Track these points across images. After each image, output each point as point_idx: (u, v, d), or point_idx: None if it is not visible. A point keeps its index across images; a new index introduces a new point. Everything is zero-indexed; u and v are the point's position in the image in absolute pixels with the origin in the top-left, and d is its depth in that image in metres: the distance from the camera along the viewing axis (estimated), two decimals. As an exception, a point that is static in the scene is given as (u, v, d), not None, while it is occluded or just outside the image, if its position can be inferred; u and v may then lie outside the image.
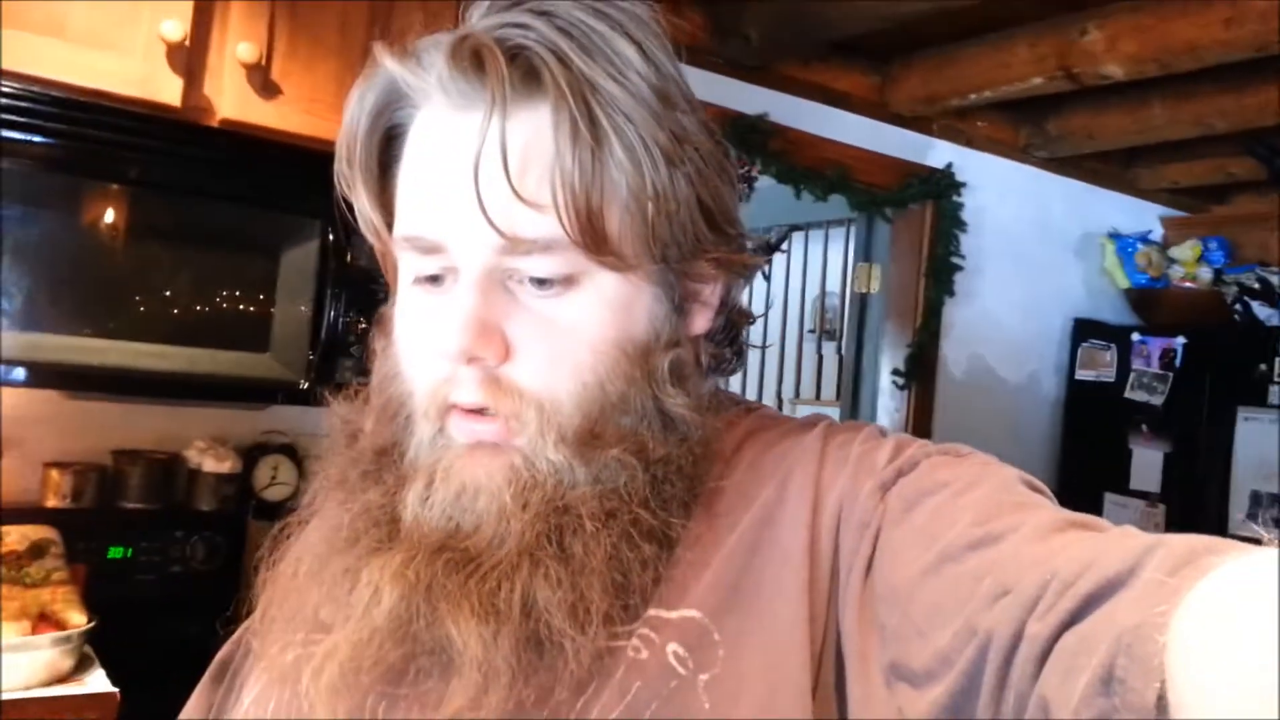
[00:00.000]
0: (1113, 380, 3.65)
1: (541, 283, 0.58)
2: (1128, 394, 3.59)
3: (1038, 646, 0.43)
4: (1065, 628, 0.42)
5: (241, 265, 1.86)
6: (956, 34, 2.92)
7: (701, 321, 0.66)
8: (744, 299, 0.71)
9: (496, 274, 0.58)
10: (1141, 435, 3.50)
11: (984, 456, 0.59)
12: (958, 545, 0.50)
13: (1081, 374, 3.75)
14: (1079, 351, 3.76)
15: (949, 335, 3.40)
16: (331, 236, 1.85)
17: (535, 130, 0.57)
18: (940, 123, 3.35)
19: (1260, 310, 3.55)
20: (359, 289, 1.89)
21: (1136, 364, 3.61)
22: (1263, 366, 3.34)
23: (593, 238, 0.57)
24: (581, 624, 0.55)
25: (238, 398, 2.02)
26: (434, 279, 0.61)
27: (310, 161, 1.84)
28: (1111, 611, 0.41)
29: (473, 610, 0.55)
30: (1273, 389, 3.31)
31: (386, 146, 0.63)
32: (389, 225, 0.64)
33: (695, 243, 0.62)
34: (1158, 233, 4.11)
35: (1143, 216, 4.08)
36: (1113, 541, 0.46)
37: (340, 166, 0.64)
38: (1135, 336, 3.64)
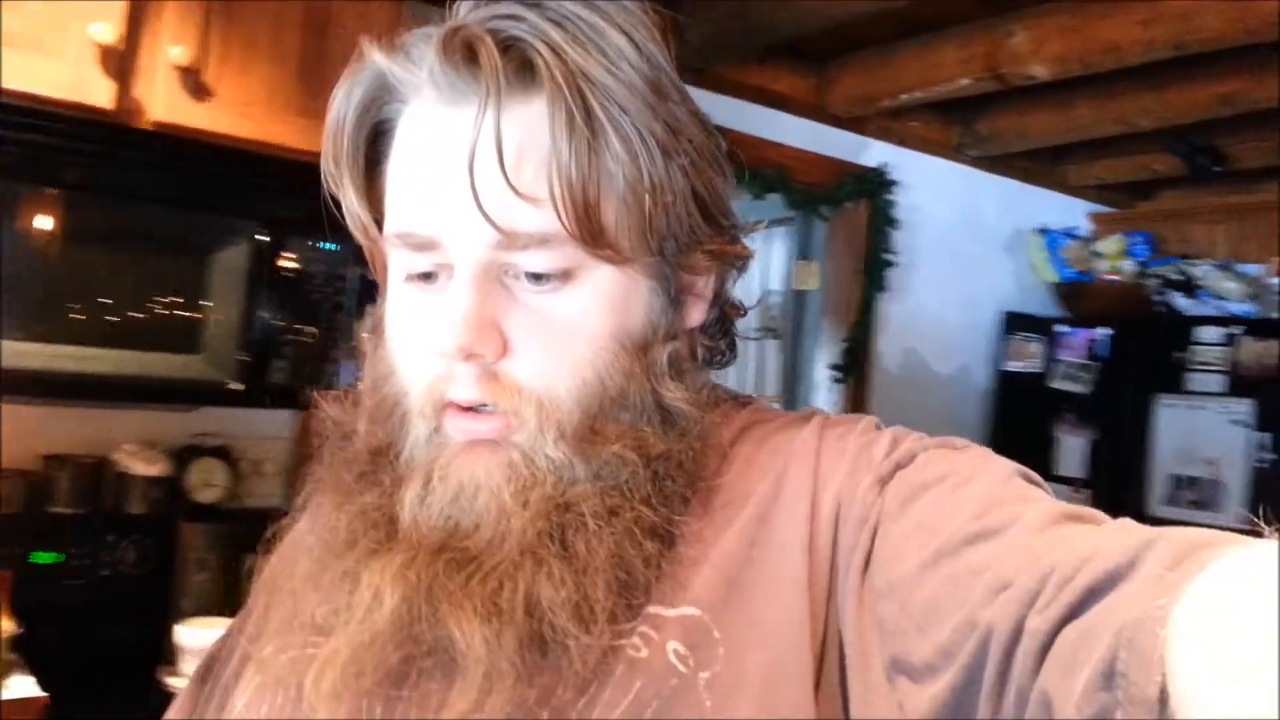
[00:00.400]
0: (1040, 371, 3.75)
1: (538, 278, 0.57)
2: (1054, 384, 3.69)
3: (1038, 641, 0.42)
4: (1065, 622, 0.42)
5: (172, 267, 1.84)
6: (889, 36, 2.97)
7: (696, 314, 0.65)
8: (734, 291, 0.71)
9: (492, 269, 0.57)
10: (1067, 423, 3.61)
11: (981, 449, 0.59)
12: (956, 540, 0.50)
13: (1010, 365, 3.85)
14: (1008, 343, 3.87)
15: (884, 330, 3.47)
16: (265, 238, 1.84)
17: (530, 123, 0.56)
18: (875, 123, 3.41)
19: (1181, 302, 3.67)
20: (290, 290, 1.88)
21: (1062, 355, 3.72)
22: (1181, 355, 3.46)
23: (590, 231, 0.56)
24: (586, 623, 0.54)
25: (168, 400, 2.01)
26: (427, 276, 0.60)
27: (243, 164, 1.84)
28: (1112, 605, 0.41)
29: (475, 610, 0.54)
30: (1190, 377, 3.43)
31: (373, 143, 0.62)
32: (378, 223, 0.62)
33: (691, 234, 0.62)
34: (1085, 228, 4.23)
35: (1070, 213, 4.19)
36: (1112, 535, 0.46)
37: (326, 164, 0.62)
38: (1062, 328, 3.75)
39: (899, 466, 0.57)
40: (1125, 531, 0.46)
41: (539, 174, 0.56)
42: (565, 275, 0.58)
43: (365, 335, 0.67)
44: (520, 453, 0.58)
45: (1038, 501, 0.51)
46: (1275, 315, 3.45)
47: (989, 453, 0.58)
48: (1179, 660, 0.36)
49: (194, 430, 2.14)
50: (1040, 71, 2.79)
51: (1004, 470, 0.55)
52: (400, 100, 0.61)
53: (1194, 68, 2.85)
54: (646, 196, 0.58)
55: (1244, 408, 3.31)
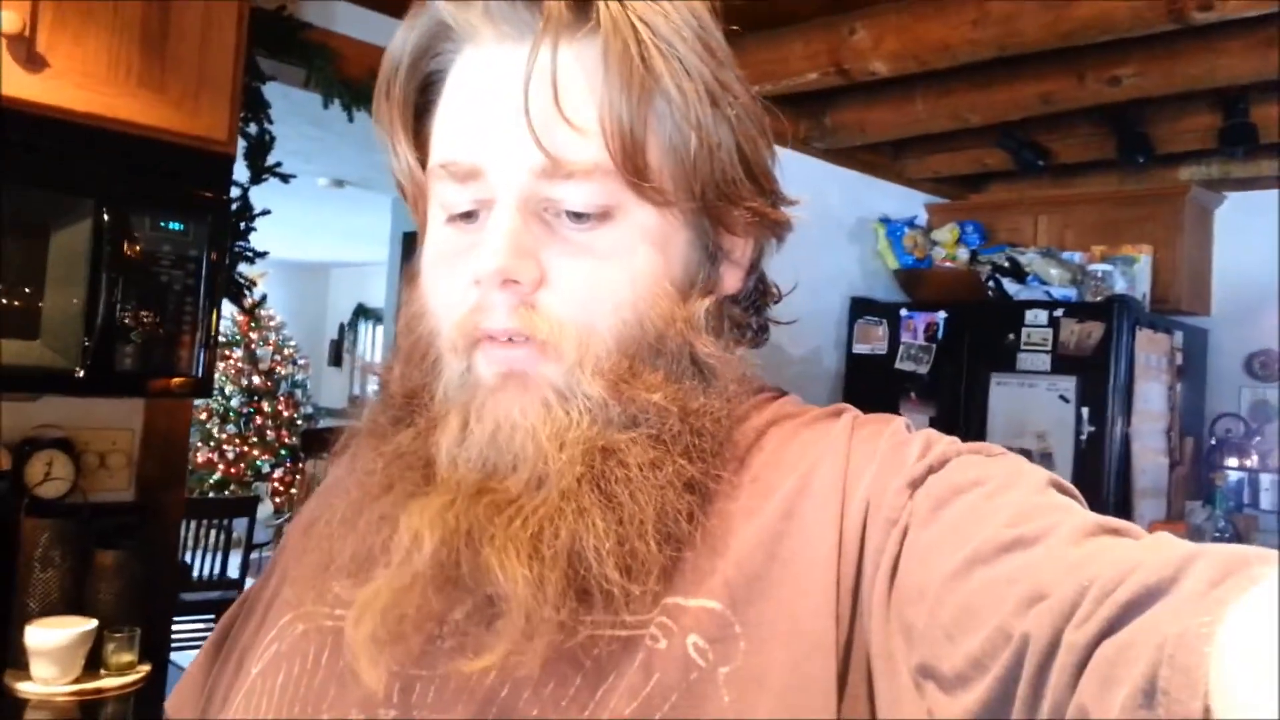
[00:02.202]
0: (885, 353, 3.95)
1: (578, 217, 0.57)
2: (898, 365, 3.90)
3: (1076, 655, 0.41)
4: (1104, 636, 0.41)
5: (7, 247, 1.75)
6: (738, 29, 3.06)
7: (732, 280, 0.65)
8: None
9: (532, 203, 0.57)
10: (910, 401, 3.82)
11: (1015, 456, 0.57)
12: (990, 547, 0.48)
13: (858, 348, 4.05)
14: (855, 327, 4.06)
15: (739, 314, 3.58)
16: (107, 216, 1.77)
17: (584, 58, 0.57)
18: (726, 112, 3.50)
19: (1010, 286, 3.93)
20: (136, 272, 1.81)
21: (905, 337, 3.93)
22: (1011, 337, 3.71)
23: (635, 167, 0.56)
24: (632, 575, 0.53)
25: (5, 388, 1.90)
26: (468, 216, 0.59)
27: (82, 138, 1.76)
28: (1153, 621, 0.40)
29: (517, 554, 0.52)
30: (1020, 356, 3.68)
31: (422, 92, 0.63)
32: (423, 167, 0.62)
33: (733, 188, 0.61)
34: (923, 218, 4.47)
35: (909, 203, 4.42)
36: (1151, 549, 0.45)
37: (378, 104, 0.63)
38: (903, 312, 3.96)
39: (931, 470, 0.55)
40: (1165, 546, 0.45)
41: (589, 106, 0.56)
42: (605, 214, 0.57)
43: (405, 290, 0.66)
44: (555, 391, 0.56)
45: (1073, 512, 0.50)
46: (1094, 299, 3.73)
47: (1023, 460, 0.57)
48: (1223, 679, 0.35)
49: (34, 421, 2.04)
50: (880, 68, 2.94)
51: (1038, 479, 0.54)
52: (453, 49, 0.61)
53: (1019, 68, 3.06)
54: (693, 138, 0.58)
55: (1068, 384, 3.58)
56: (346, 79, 2.42)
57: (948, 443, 0.59)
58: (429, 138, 0.62)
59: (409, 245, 5.83)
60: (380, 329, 8.61)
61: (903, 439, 0.60)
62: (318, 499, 0.68)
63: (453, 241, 0.60)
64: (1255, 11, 2.34)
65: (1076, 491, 0.54)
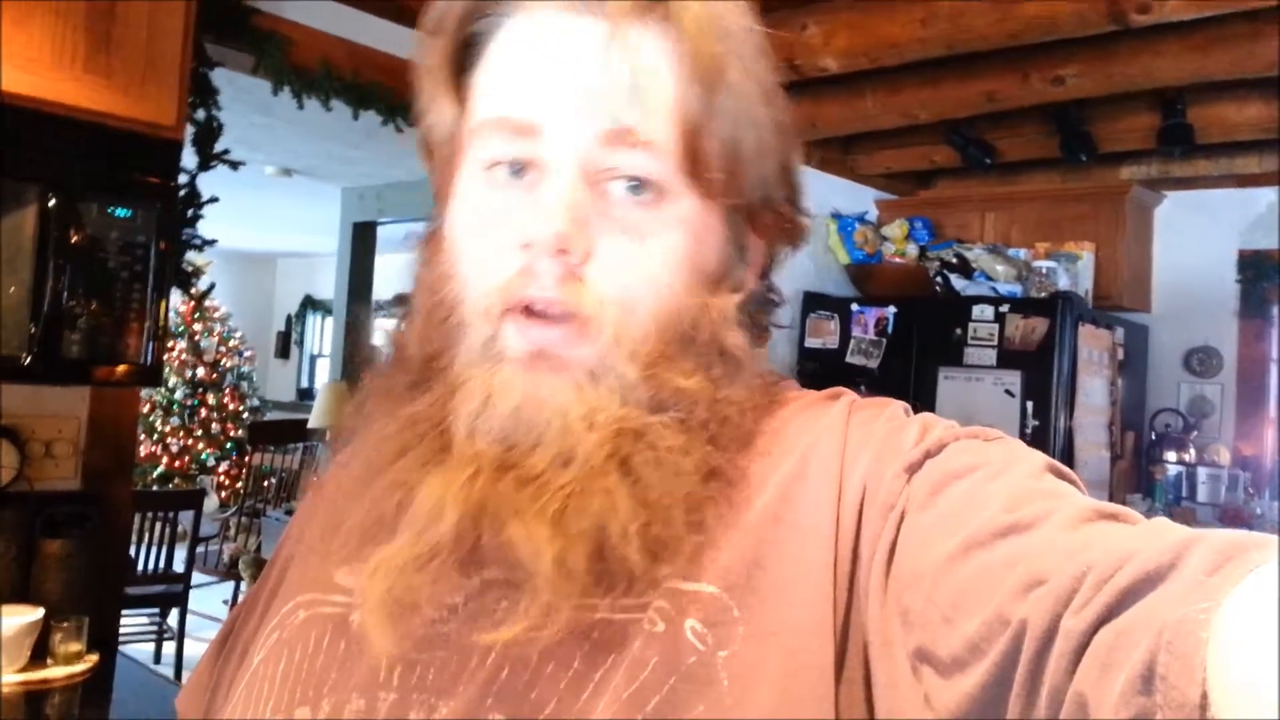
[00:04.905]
0: (836, 347, 4.01)
1: (634, 188, 0.57)
2: (849, 359, 3.96)
3: (1074, 641, 0.41)
4: (1103, 622, 0.41)
5: (-54, 232, 1.72)
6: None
7: (750, 279, 0.65)
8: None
9: (588, 170, 0.56)
10: (861, 396, 3.87)
11: (1012, 440, 0.57)
12: (986, 531, 0.48)
13: (810, 341, 4.10)
14: (807, 321, 4.10)
15: (692, 307, 3.60)
16: (53, 202, 1.74)
17: (659, 39, 0.57)
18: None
19: (957, 282, 4.00)
20: (83, 258, 1.79)
21: (855, 332, 3.99)
22: (959, 332, 3.78)
23: (693, 154, 0.57)
24: (658, 558, 0.53)
25: (-54, 376, 1.87)
26: (516, 171, 0.58)
27: (28, 123, 1.73)
28: (1151, 606, 0.40)
29: (543, 529, 0.52)
30: (967, 351, 3.75)
31: (462, 50, 0.61)
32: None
33: (770, 189, 0.62)
34: (873, 214, 4.53)
35: (860, 199, 4.48)
36: (1149, 535, 0.45)
37: (421, 57, 0.62)
38: (854, 307, 4.02)
39: (928, 455, 0.55)
40: (1162, 531, 0.45)
41: (661, 86, 0.56)
42: (658, 194, 0.57)
43: (418, 250, 0.65)
44: (586, 372, 0.56)
45: (1070, 497, 0.50)
46: (1038, 295, 3.81)
47: (1020, 444, 0.57)
48: (1221, 664, 0.35)
49: (-25, 410, 2.00)
50: (831, 64, 2.98)
51: (1036, 463, 0.54)
52: (502, 12, 0.60)
53: (967, 66, 3.12)
54: (750, 135, 0.59)
55: (1013, 378, 3.65)
56: (297, 66, 2.40)
57: (945, 427, 0.58)
58: (468, 95, 0.61)
59: (360, 236, 5.78)
60: (329, 321, 8.52)
61: (900, 423, 0.59)
62: (338, 465, 0.67)
63: (493, 199, 0.58)
64: (1192, 15, 2.42)
65: (1074, 476, 0.54)
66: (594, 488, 0.53)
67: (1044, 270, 3.88)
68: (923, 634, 0.49)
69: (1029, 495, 0.50)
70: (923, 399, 3.79)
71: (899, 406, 0.62)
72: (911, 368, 3.88)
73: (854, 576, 0.54)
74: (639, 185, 0.56)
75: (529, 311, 0.56)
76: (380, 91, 2.56)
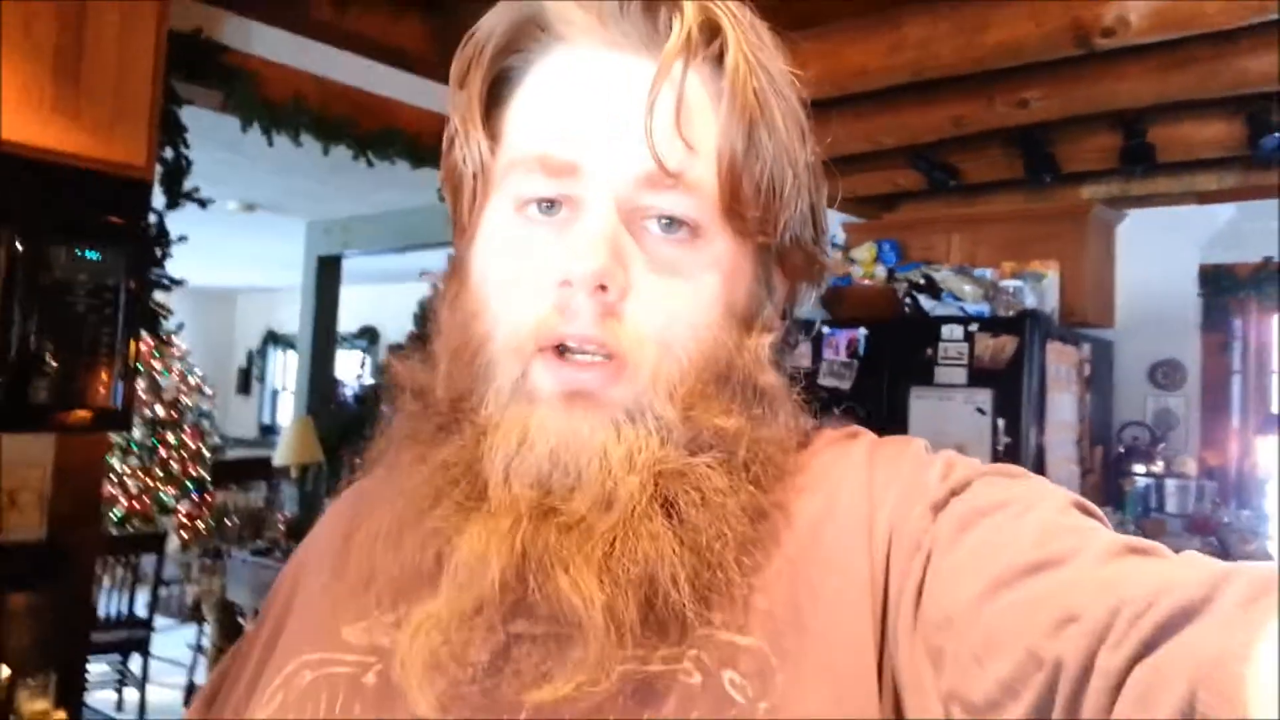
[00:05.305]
0: (809, 369, 4.01)
1: (671, 225, 0.56)
2: (821, 380, 3.96)
3: (1111, 679, 0.40)
4: (1139, 659, 0.40)
5: (-93, 279, 1.66)
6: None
7: (777, 318, 0.65)
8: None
9: (625, 209, 0.55)
10: (834, 417, 3.88)
11: (1036, 478, 0.56)
12: (1016, 569, 0.47)
13: (782, 366, 4.09)
14: (779, 346, 4.11)
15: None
16: (20, 246, 1.69)
17: (704, 81, 0.57)
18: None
19: (926, 303, 4.03)
20: (51, 302, 1.74)
21: (827, 354, 4.00)
22: (929, 351, 3.80)
23: (732, 194, 0.56)
24: (709, 603, 0.52)
25: (-93, 427, 1.80)
26: (549, 206, 0.57)
27: (-9, 164, 1.69)
28: (1188, 642, 0.39)
29: (594, 578, 0.50)
30: (938, 370, 3.78)
31: (495, 85, 0.61)
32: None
33: (799, 232, 0.62)
34: (841, 237, 4.56)
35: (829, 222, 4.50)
36: (1182, 568, 0.44)
37: (454, 90, 0.61)
38: (825, 329, 4.03)
39: (954, 493, 0.55)
40: (1194, 565, 0.44)
41: (705, 127, 0.56)
42: (695, 232, 0.56)
43: (442, 284, 0.63)
44: (624, 411, 0.54)
45: (1098, 532, 0.50)
46: (1006, 314, 3.85)
47: (1045, 481, 0.56)
48: (1262, 699, 0.35)
49: (-63, 460, 1.93)
50: (800, 93, 2.99)
51: (1061, 500, 0.53)
52: (539, 47, 0.59)
53: (931, 92, 3.15)
54: (789, 176, 0.59)
55: (984, 396, 3.68)
56: (266, 101, 2.37)
57: (969, 464, 0.58)
58: (501, 130, 0.60)
59: (324, 269, 5.72)
60: (292, 355, 8.41)
61: (923, 461, 0.59)
62: (349, 507, 0.65)
63: (526, 236, 0.57)
64: (1153, 38, 2.46)
65: (1100, 512, 0.54)
66: (640, 531, 0.52)
67: (1010, 289, 3.92)
68: (955, 676, 0.48)
69: (1056, 532, 0.49)
70: (895, 419, 3.80)
71: (920, 444, 0.61)
72: (883, 388, 3.90)
73: (885, 619, 0.53)
74: (675, 223, 0.56)
75: (561, 350, 0.54)
76: (349, 126, 2.53)
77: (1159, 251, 4.17)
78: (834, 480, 0.59)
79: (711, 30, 0.56)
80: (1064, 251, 4.09)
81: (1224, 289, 4.12)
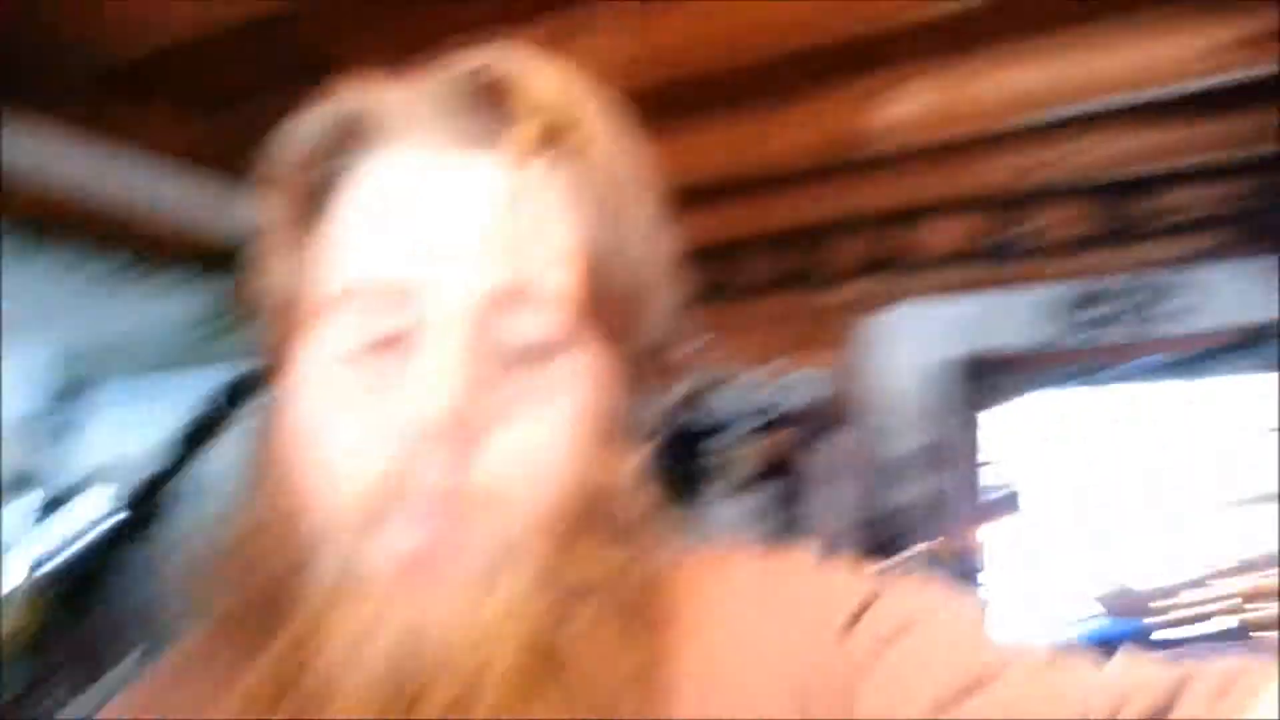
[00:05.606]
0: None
1: (527, 349, 0.50)
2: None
3: None
4: None
5: None
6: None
7: (645, 430, 0.62)
8: None
9: (475, 333, 0.49)
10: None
11: (939, 586, 0.56)
12: (953, 689, 0.46)
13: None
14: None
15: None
16: None
17: (555, 180, 0.52)
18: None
19: (699, 412, 4.05)
20: None
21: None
22: (705, 459, 3.82)
23: (597, 300, 0.52)
24: None
25: None
26: (384, 346, 0.49)
27: None
28: None
29: None
30: (714, 477, 3.79)
31: (309, 199, 0.54)
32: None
33: (661, 331, 0.58)
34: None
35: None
36: (1133, 672, 0.44)
37: (263, 210, 0.54)
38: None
39: (865, 606, 0.53)
40: (1140, 667, 0.45)
41: (561, 231, 0.51)
42: (554, 348, 0.51)
43: (254, 441, 0.54)
44: (489, 565, 0.48)
45: (1017, 644, 0.50)
46: (772, 416, 3.98)
47: (949, 590, 0.56)
48: None
49: None
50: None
51: (974, 607, 0.54)
52: (359, 151, 0.52)
53: (697, 201, 3.21)
54: (652, 279, 0.55)
55: (765, 495, 3.74)
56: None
57: (873, 576, 0.56)
58: (317, 251, 0.52)
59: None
60: None
61: (820, 579, 0.57)
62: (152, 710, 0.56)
63: (353, 380, 0.49)
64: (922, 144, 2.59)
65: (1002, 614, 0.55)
66: (529, 701, 0.47)
67: (776, 389, 4.06)
68: None
69: (983, 644, 0.49)
70: (684, 525, 3.77)
71: (809, 557, 0.59)
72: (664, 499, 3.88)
73: None
74: (532, 348, 0.51)
75: (409, 507, 0.47)
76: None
77: (912, 344, 4.45)
78: (730, 611, 0.55)
79: (560, 120, 0.52)
80: (825, 351, 4.29)
81: (971, 376, 4.44)
